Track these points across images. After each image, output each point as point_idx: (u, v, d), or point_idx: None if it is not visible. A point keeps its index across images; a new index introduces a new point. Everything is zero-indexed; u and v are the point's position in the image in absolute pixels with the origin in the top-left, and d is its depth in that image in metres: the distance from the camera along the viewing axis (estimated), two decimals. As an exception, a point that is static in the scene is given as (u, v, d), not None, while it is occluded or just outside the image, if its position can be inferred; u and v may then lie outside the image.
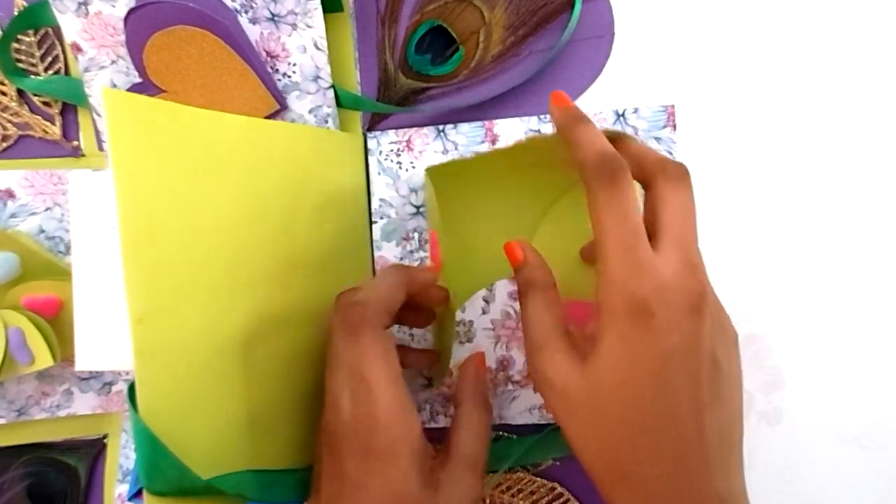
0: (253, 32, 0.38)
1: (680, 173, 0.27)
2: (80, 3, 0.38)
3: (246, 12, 0.38)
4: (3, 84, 0.43)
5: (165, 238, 0.27)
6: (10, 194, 0.41)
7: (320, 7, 0.37)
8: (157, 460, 0.27)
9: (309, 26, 0.37)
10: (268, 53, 0.39)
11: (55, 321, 0.40)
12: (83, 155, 0.43)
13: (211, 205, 0.29)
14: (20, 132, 0.43)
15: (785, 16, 0.40)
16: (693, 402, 0.25)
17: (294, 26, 0.38)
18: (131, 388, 0.30)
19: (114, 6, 0.38)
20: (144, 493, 0.28)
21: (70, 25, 0.38)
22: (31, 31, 0.42)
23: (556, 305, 0.29)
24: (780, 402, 0.40)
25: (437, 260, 0.36)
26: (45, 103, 0.43)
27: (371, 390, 0.28)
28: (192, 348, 0.29)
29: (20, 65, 0.43)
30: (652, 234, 0.26)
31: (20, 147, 0.43)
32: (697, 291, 0.25)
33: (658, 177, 0.27)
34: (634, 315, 0.25)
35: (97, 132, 0.42)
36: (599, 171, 0.26)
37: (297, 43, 0.38)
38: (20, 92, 0.43)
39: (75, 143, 0.43)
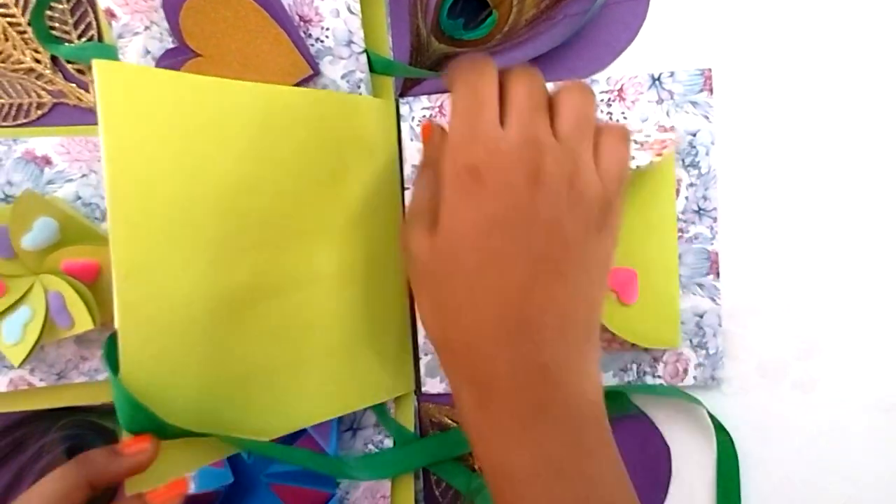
0: None
1: (525, 67, 0.28)
2: None
3: None
4: (37, 52, 0.43)
5: (154, 198, 0.28)
6: (46, 161, 0.42)
7: None
8: (134, 414, 0.28)
9: None
10: (301, 17, 0.38)
11: (94, 286, 0.40)
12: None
13: (206, 168, 0.30)
14: (54, 100, 0.43)
15: (827, -24, 0.39)
16: (521, 272, 0.25)
17: None
18: (109, 341, 0.31)
19: None
20: (123, 431, 0.29)
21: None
22: (64, -2, 0.42)
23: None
24: (814, 371, 0.40)
25: None
26: (79, 71, 0.43)
27: None
28: (179, 307, 0.30)
29: (54, 32, 0.43)
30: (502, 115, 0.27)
31: (55, 115, 0.44)
32: (536, 163, 0.25)
33: (506, 73, 0.28)
34: (464, 181, 0.25)
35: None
36: (461, 64, 0.28)
37: (330, 7, 0.38)
38: (54, 59, 0.43)
39: (109, 110, 0.43)
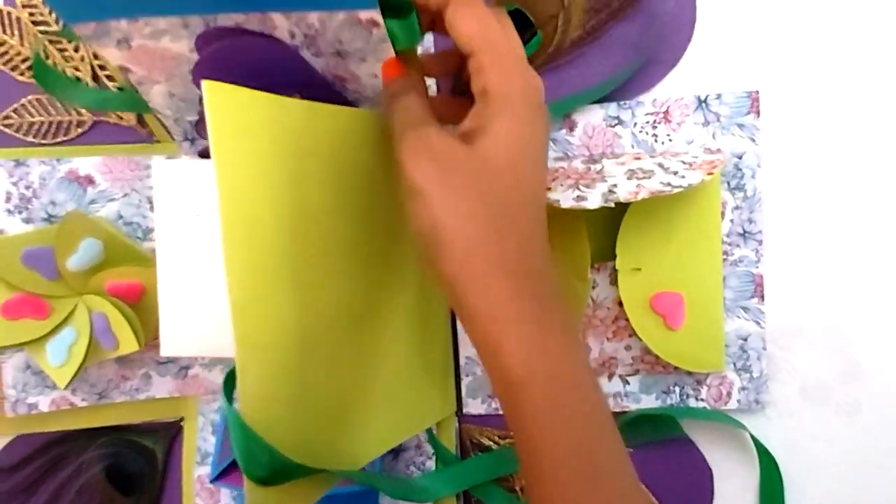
0: (317, 63, 0.37)
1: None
2: (119, 40, 0.37)
3: (308, 48, 0.36)
4: (77, 70, 0.43)
5: (264, 227, 0.27)
6: (89, 180, 0.42)
7: (391, 46, 0.36)
8: (253, 449, 0.27)
9: (379, 60, 0.36)
10: (335, 76, 0.38)
11: (137, 306, 0.40)
12: (158, 141, 0.43)
13: (305, 193, 0.29)
14: (95, 118, 0.43)
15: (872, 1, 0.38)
16: (542, 189, 0.28)
17: (363, 59, 0.36)
18: (228, 378, 0.31)
19: (158, 41, 0.37)
20: (245, 479, 0.28)
21: (113, 56, 0.38)
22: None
23: (430, 109, 0.29)
24: (858, 394, 0.40)
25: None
26: (119, 89, 0.43)
27: None
28: (288, 336, 0.29)
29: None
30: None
31: (95, 132, 0.44)
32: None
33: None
34: (531, 101, 0.27)
35: (164, 126, 0.42)
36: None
37: (367, 71, 0.37)
38: (94, 76, 0.43)
39: (148, 129, 0.43)
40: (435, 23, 0.29)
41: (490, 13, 0.28)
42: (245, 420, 0.27)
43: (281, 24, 0.33)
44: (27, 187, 0.41)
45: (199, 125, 0.40)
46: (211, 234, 0.38)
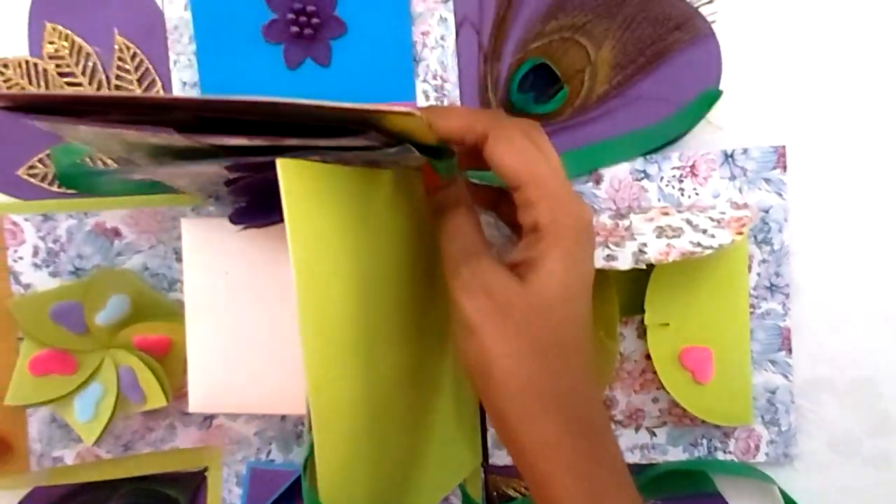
0: None
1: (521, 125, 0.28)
2: None
3: None
4: (104, 121, 0.43)
5: (335, 303, 0.27)
6: (116, 233, 0.42)
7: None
8: None
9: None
10: None
11: (164, 359, 0.41)
12: (183, 192, 0.43)
13: (365, 261, 0.29)
14: (120, 168, 0.44)
15: (901, 54, 0.39)
16: (590, 322, 0.28)
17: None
18: (307, 460, 0.30)
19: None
20: None
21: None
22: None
23: (481, 229, 0.29)
24: (887, 447, 0.40)
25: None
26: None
27: None
28: (360, 411, 0.28)
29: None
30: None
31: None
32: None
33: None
34: (583, 235, 0.27)
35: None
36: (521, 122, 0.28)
37: None
38: (120, 128, 0.43)
39: (175, 179, 0.43)
40: (475, 158, 0.29)
41: (530, 142, 0.27)
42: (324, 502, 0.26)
43: None
44: (55, 241, 0.41)
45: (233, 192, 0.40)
46: (240, 292, 0.38)
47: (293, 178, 0.25)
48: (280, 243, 0.37)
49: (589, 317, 0.28)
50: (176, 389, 0.41)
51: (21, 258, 0.41)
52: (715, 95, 0.38)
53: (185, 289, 0.38)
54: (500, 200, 0.33)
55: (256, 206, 0.35)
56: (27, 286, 0.41)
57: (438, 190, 0.30)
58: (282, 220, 0.33)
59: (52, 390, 0.39)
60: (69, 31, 0.43)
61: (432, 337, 0.36)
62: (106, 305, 0.39)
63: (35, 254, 0.41)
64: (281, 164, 0.24)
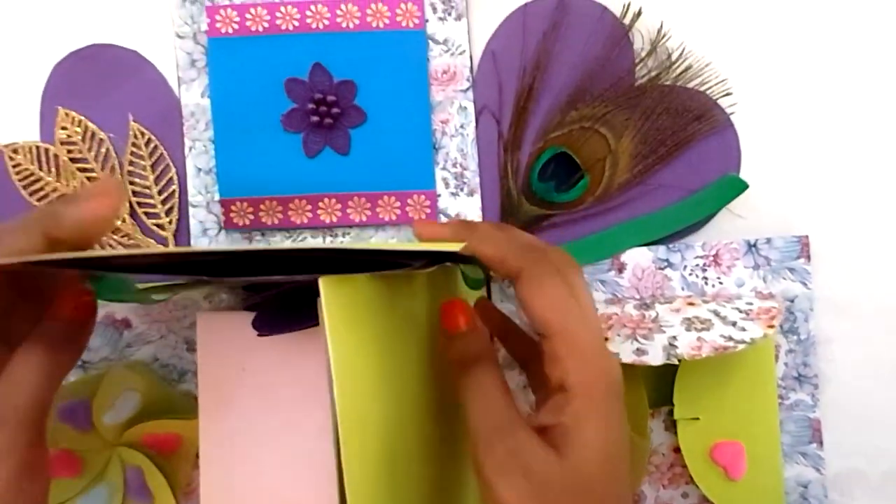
0: None
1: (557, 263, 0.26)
2: None
3: None
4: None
5: (374, 419, 0.26)
6: (126, 323, 0.40)
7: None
8: None
9: None
10: None
11: (174, 455, 0.39)
12: (196, 279, 0.42)
13: (394, 367, 0.28)
14: (131, 255, 0.42)
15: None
16: (628, 484, 0.26)
17: None
18: None
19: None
20: None
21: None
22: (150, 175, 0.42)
23: (509, 390, 0.27)
24: (923, 542, 0.39)
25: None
26: (158, 226, 0.42)
27: None
28: None
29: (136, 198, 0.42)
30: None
31: (130, 269, 0.42)
32: None
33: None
34: (613, 396, 0.25)
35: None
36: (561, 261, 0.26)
37: None
38: (132, 213, 0.43)
39: (187, 265, 0.42)
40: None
41: (564, 287, 0.25)
42: None
43: None
44: (62, 334, 0.39)
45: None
46: (257, 389, 0.37)
47: (334, 296, 0.24)
48: (301, 341, 0.36)
49: (626, 477, 0.26)
50: (184, 486, 0.39)
51: (26, 351, 0.40)
52: (740, 186, 0.38)
53: (199, 384, 0.37)
54: (518, 341, 0.33)
55: (278, 312, 0.34)
56: (31, 381, 0.39)
57: (459, 337, 0.28)
58: (307, 327, 0.33)
59: (57, 495, 0.37)
60: (82, 117, 0.42)
61: (455, 444, 0.35)
62: (115, 404, 0.37)
63: (41, 348, 0.39)
64: (323, 283, 0.23)
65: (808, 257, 0.39)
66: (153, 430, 0.38)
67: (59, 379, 0.27)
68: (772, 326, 0.35)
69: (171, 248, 0.36)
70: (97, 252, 0.25)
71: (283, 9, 0.40)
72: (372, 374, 0.26)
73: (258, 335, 0.35)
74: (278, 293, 0.34)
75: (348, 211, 0.41)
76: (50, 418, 0.36)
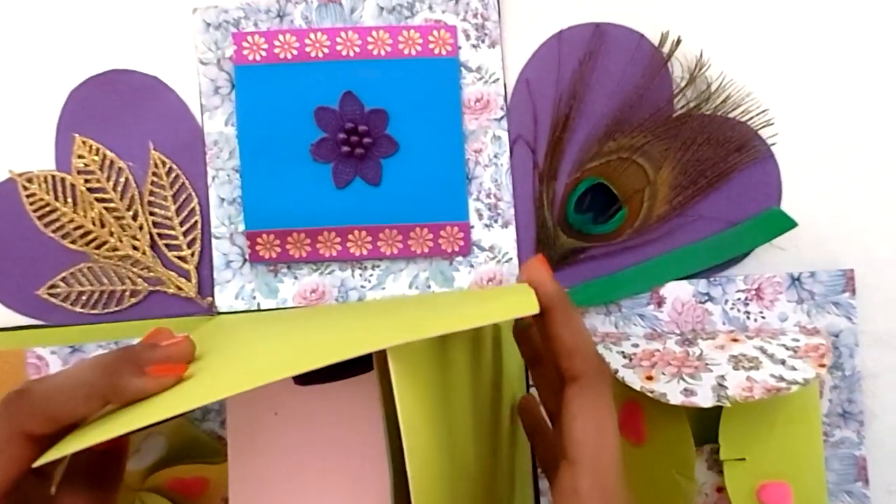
0: None
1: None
2: None
3: None
4: (135, 238, 0.41)
5: (441, 477, 0.25)
6: (148, 362, 0.39)
7: None
8: None
9: None
10: None
11: (199, 499, 0.37)
12: (218, 313, 0.41)
13: (453, 420, 0.27)
14: (150, 287, 0.41)
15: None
16: None
17: None
18: None
19: None
20: None
21: None
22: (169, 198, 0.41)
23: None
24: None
25: None
26: (180, 258, 0.41)
27: None
28: None
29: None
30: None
31: (149, 303, 0.41)
32: None
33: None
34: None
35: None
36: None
37: None
38: (153, 245, 0.41)
39: (209, 299, 0.41)
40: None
41: (612, 416, 0.25)
42: None
43: None
44: (82, 374, 0.38)
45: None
46: (290, 435, 0.35)
47: (403, 364, 0.23)
48: (336, 387, 0.34)
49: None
50: (210, 533, 0.38)
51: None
52: (787, 223, 0.37)
53: (228, 428, 0.35)
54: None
55: None
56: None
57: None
58: (349, 377, 0.32)
59: (77, 545, 0.35)
60: (100, 145, 0.41)
61: (502, 459, 0.34)
62: (140, 449, 0.35)
63: (60, 389, 0.38)
64: (392, 355, 0.22)
65: (853, 291, 0.38)
66: (179, 475, 0.37)
67: None
68: (823, 366, 0.34)
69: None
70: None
71: (312, 35, 0.38)
72: (437, 433, 0.25)
73: (295, 384, 0.33)
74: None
75: (379, 243, 0.39)
76: None
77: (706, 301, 0.39)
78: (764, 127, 0.38)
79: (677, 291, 0.39)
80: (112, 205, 0.41)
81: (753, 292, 0.38)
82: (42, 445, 0.23)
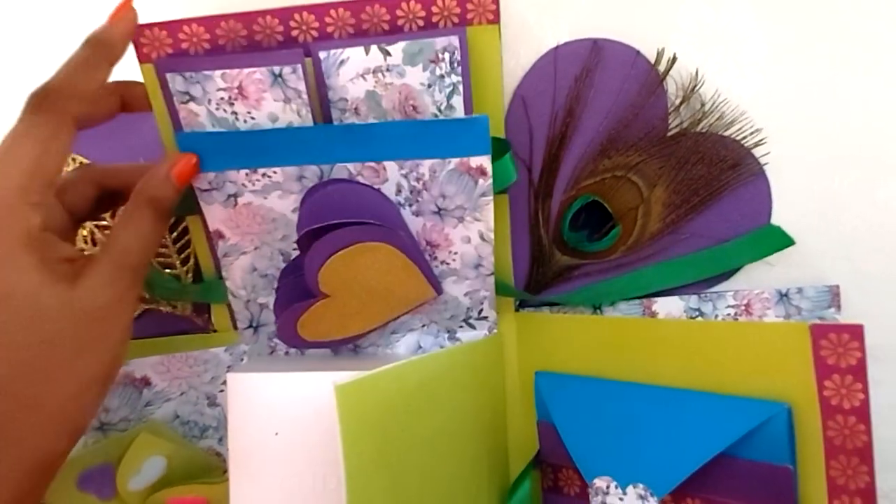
0: (415, 224, 0.37)
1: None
2: (228, 195, 0.36)
3: (410, 205, 0.36)
4: (128, 256, 0.40)
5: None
6: (145, 382, 0.39)
7: (492, 202, 0.35)
8: None
9: (477, 219, 0.36)
10: (428, 243, 0.37)
11: (199, 520, 0.38)
12: (215, 331, 0.41)
13: (407, 454, 0.29)
14: (145, 306, 0.41)
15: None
16: None
17: (461, 219, 0.36)
18: None
19: (265, 198, 0.36)
20: None
21: (214, 217, 0.36)
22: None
23: None
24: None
25: None
26: (174, 276, 0.41)
27: None
28: None
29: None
30: None
31: (143, 322, 0.41)
32: None
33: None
34: None
35: (231, 311, 0.40)
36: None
37: (461, 234, 0.37)
38: (146, 264, 0.41)
39: (205, 316, 0.41)
40: None
41: None
42: None
43: (392, 175, 0.35)
44: (79, 396, 0.38)
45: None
46: (292, 455, 0.35)
47: (347, 401, 0.26)
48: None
49: None
50: (211, 549, 0.38)
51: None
52: (784, 240, 0.38)
53: (228, 448, 0.36)
54: None
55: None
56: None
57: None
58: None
59: (79, 566, 0.35)
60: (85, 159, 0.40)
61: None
62: (141, 469, 0.36)
63: (58, 412, 0.38)
64: (337, 389, 0.26)
65: (839, 307, 0.39)
66: (179, 495, 0.37)
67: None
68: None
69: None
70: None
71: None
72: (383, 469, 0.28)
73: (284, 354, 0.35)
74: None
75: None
76: (70, 489, 0.34)
77: (697, 316, 0.39)
78: (756, 146, 0.39)
79: (669, 307, 0.39)
80: (104, 223, 0.41)
81: (743, 307, 0.39)
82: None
